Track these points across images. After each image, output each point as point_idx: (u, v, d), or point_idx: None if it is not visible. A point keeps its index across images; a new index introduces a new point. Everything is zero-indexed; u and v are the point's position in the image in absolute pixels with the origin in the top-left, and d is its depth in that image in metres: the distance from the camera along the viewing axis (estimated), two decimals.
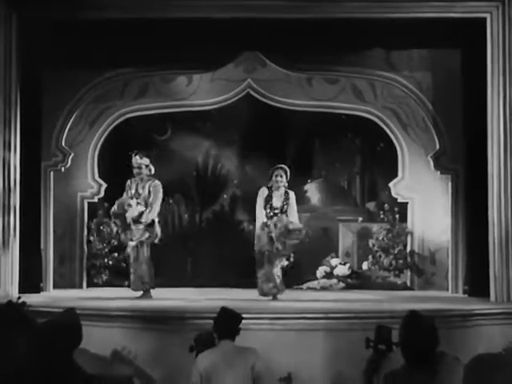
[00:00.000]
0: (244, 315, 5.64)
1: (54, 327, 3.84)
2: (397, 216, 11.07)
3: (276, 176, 8.98)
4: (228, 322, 5.46)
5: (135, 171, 9.25)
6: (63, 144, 10.40)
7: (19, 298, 5.97)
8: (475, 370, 2.95)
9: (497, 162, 9.00)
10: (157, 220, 9.21)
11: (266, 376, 5.33)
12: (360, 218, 11.94)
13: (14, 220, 9.18)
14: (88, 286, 10.80)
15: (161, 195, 9.28)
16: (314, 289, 10.76)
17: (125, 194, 9.30)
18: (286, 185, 9.06)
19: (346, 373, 6.45)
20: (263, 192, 9.04)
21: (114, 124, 10.96)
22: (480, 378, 2.92)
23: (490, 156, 9.07)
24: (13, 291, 8.93)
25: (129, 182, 9.36)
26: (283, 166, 9.12)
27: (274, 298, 8.88)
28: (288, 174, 9.05)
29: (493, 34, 9.01)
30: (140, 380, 4.44)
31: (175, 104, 11.11)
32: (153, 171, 9.33)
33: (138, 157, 9.23)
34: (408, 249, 10.92)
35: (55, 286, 10.22)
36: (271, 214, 8.94)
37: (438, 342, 3.75)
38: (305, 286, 10.91)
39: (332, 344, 7.29)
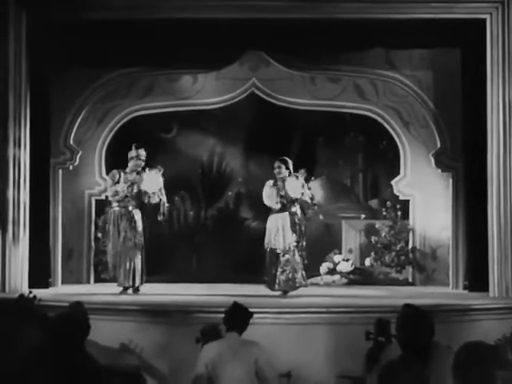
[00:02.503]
0: (249, 310, 5.77)
1: (64, 319, 4.02)
2: (399, 213, 11.16)
3: (274, 168, 9.01)
4: (239, 316, 5.57)
5: (138, 163, 9.23)
6: (71, 142, 10.51)
7: (30, 292, 6.15)
8: (462, 357, 3.11)
9: (496, 159, 9.10)
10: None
11: (268, 370, 5.45)
12: (363, 215, 11.99)
13: (24, 216, 9.28)
14: (95, 281, 10.91)
15: None
16: (318, 284, 10.83)
17: (110, 183, 9.33)
18: (288, 174, 8.98)
19: (348, 364, 6.58)
20: (269, 183, 9.02)
21: (121, 123, 11.08)
22: (466, 364, 3.08)
23: (489, 154, 9.18)
24: (22, 286, 9.04)
25: (117, 174, 9.31)
26: (283, 157, 9.08)
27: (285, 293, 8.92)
28: (288, 163, 8.99)
29: (492, 34, 9.10)
30: (147, 372, 4.61)
31: (181, 103, 11.20)
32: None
33: (143, 149, 9.26)
34: (410, 245, 11.02)
35: (63, 282, 10.32)
36: (282, 202, 8.93)
37: (433, 333, 3.89)
38: (308, 281, 10.99)
39: (334, 337, 7.44)
